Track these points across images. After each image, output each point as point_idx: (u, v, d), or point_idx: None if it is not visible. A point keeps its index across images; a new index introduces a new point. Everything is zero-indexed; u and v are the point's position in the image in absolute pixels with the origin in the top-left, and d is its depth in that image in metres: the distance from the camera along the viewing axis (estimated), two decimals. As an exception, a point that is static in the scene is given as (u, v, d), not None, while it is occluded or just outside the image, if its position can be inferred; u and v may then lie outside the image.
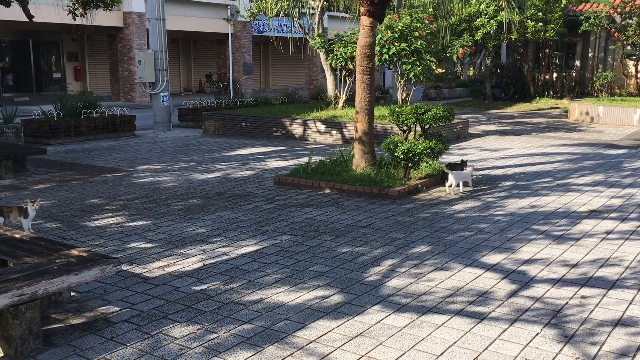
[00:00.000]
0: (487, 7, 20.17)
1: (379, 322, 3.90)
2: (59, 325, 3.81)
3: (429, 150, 7.86)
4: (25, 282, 3.39)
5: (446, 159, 10.00)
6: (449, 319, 3.94)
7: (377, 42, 11.77)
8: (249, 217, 6.55)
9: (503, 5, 20.21)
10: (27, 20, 9.25)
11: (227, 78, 26.38)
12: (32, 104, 19.22)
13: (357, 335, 3.70)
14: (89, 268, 3.68)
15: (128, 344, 3.57)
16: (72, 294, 4.28)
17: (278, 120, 13.53)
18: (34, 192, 7.84)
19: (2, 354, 3.40)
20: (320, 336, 3.69)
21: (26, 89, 24.30)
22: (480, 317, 3.97)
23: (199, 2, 25.14)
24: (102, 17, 17.86)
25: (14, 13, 12.26)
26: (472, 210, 6.81)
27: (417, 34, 12.12)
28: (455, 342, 3.61)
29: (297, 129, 13.27)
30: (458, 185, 7.71)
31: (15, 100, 20.78)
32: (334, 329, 3.80)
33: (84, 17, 9.46)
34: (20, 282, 3.39)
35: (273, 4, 15.75)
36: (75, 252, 3.94)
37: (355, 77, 8.99)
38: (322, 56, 15.40)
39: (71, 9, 9.58)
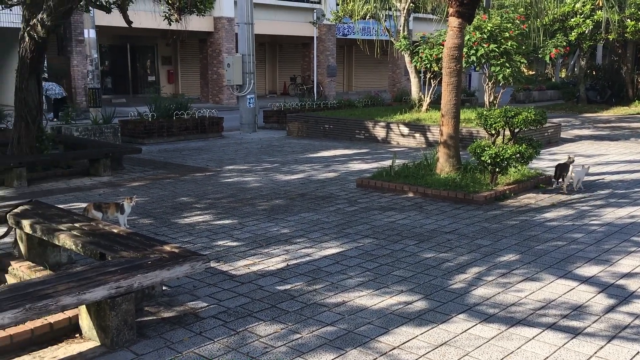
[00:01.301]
0: (583, 6, 19.18)
1: (465, 331, 3.78)
2: (151, 318, 3.97)
3: (518, 155, 7.56)
4: (122, 275, 3.56)
5: (536, 164, 9.59)
6: (541, 332, 3.76)
7: (464, 43, 11.48)
8: (331, 219, 6.57)
9: (600, 4, 19.14)
10: (127, 25, 9.76)
11: (311, 80, 26.70)
12: (128, 106, 20.32)
13: (442, 344, 3.61)
14: (180, 264, 3.80)
15: (215, 340, 3.67)
16: (164, 288, 4.45)
17: (361, 123, 13.52)
18: (129, 189, 8.25)
19: (99, 343, 3.58)
20: (404, 342, 3.62)
21: (123, 91, 25.70)
22: (575, 332, 3.75)
23: (286, 7, 25.62)
24: (194, 22, 18.58)
25: (115, 19, 12.99)
26: (565, 219, 6.48)
27: (507, 35, 11.71)
28: (547, 358, 3.44)
29: (379, 132, 13.19)
30: (568, 184, 7.75)
31: (113, 102, 22.02)
32: (417, 336, 3.72)
33: (178, 22, 9.87)
34: (117, 275, 3.56)
35: (360, 7, 15.75)
36: (167, 248, 4.09)
37: (440, 80, 8.81)
38: (407, 58, 15.23)
39: (167, 14, 10.01)
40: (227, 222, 6.47)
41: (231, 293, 4.42)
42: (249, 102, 15.32)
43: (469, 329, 3.81)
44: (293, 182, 8.71)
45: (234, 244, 5.67)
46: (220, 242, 5.71)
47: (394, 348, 3.55)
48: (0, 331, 3.39)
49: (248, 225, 6.32)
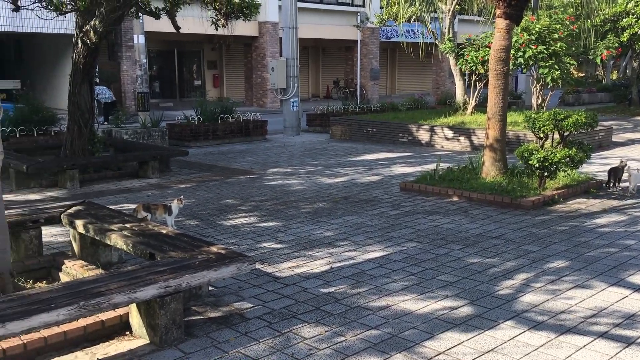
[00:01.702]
0: (636, 6, 18.54)
1: (512, 338, 3.70)
2: (198, 318, 4.05)
3: (568, 159, 7.36)
4: (171, 275, 3.64)
5: (586, 168, 9.32)
6: (592, 341, 3.65)
7: (512, 45, 11.28)
8: (375, 222, 6.56)
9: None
10: (175, 31, 9.98)
11: (354, 84, 26.70)
12: (175, 109, 20.76)
13: (489, 351, 3.54)
14: (227, 265, 3.86)
15: (261, 340, 3.71)
16: (210, 288, 4.53)
17: (404, 126, 13.45)
18: (176, 191, 8.43)
19: (148, 341, 3.67)
20: (450, 348, 3.58)
21: (170, 95, 26.31)
22: (628, 342, 3.63)
23: (329, 10, 25.70)
24: (240, 27, 18.89)
25: (163, 25, 13.33)
26: (617, 225, 6.28)
27: (557, 36, 11.43)
28: (598, 368, 3.33)
29: (423, 135, 13.08)
30: (623, 188, 7.66)
31: (161, 106, 22.55)
32: (463, 342, 3.66)
33: (225, 27, 10.03)
34: (166, 274, 3.64)
35: (404, 10, 15.67)
36: (214, 249, 4.16)
37: (486, 82, 8.67)
38: (452, 61, 15.06)
39: (214, 20, 10.19)
40: (271, 224, 6.53)
41: (276, 294, 4.46)
42: (293, 106, 15.43)
43: (517, 336, 3.73)
44: (336, 185, 8.73)
45: (279, 246, 5.72)
46: (264, 244, 5.78)
47: (440, 354, 3.51)
48: (54, 327, 3.51)
49: (292, 228, 6.36)
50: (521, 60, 11.60)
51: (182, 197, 6.36)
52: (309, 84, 30.82)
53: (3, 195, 4.42)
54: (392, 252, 5.46)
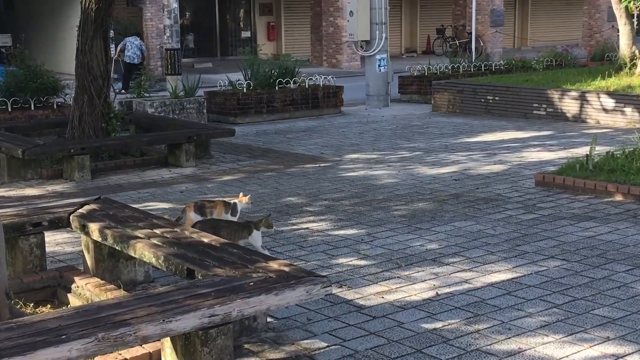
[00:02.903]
0: None
1: None
2: (253, 359, 4.15)
3: None
4: (217, 299, 3.74)
5: None
6: None
7: None
8: (499, 230, 6.50)
9: None
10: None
11: (467, 33, 26.30)
12: (216, 72, 21.18)
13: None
14: (292, 287, 3.93)
15: (339, 393, 3.76)
16: (269, 319, 4.63)
17: (541, 93, 13.22)
18: (219, 185, 8.65)
19: (187, 388, 3.79)
20: (612, 414, 3.50)
21: (209, 53, 26.72)
22: None
23: None
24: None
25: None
26: None
27: None
28: None
29: (569, 106, 12.80)
30: None
31: (197, 67, 23.04)
32: (633, 405, 3.57)
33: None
34: (211, 299, 3.74)
35: None
36: (274, 265, 4.24)
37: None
38: (613, -3, 14.59)
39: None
40: (350, 232, 6.58)
41: (359, 330, 4.50)
42: (379, 65, 15.42)
43: None
44: (442, 177, 8.69)
45: (362, 262, 5.77)
46: (342, 260, 5.83)
47: (597, 421, 3.44)
48: (64, 366, 3.69)
49: (380, 238, 6.39)
50: None
51: (249, 195, 6.46)
52: (402, 35, 30.66)
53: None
54: (524, 274, 5.40)
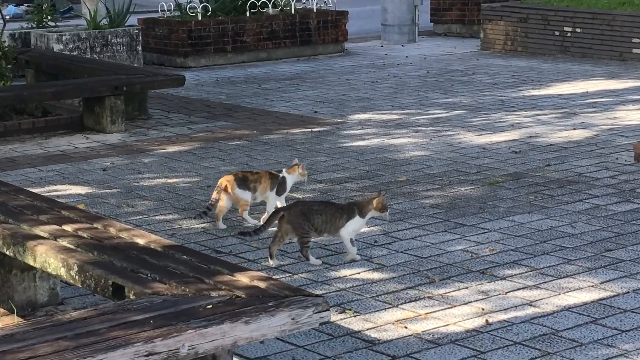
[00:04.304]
0: None
1: None
2: (211, 419, 4.14)
3: None
4: (158, 330, 3.71)
5: None
6: None
7: None
8: (580, 228, 6.51)
9: None
10: None
11: None
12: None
13: None
14: (271, 313, 3.90)
15: None
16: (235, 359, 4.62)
17: (644, 23, 13.24)
18: (161, 159, 8.62)
19: None
20: None
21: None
22: None
23: None
24: None
25: None
26: None
27: None
28: None
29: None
30: None
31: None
32: None
33: None
34: (148, 329, 3.72)
35: None
36: (244, 279, 4.21)
37: None
38: None
39: None
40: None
41: (371, 377, 4.52)
42: (402, -20, 15.37)
43: None
44: (496, 149, 8.71)
45: (376, 275, 5.76)
46: (346, 272, 5.81)
47: None
48: None
49: (403, 239, 6.39)
50: None
51: (302, 164, 6.61)
52: None
53: None
54: (618, 293, 5.40)
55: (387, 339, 4.91)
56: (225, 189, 6.33)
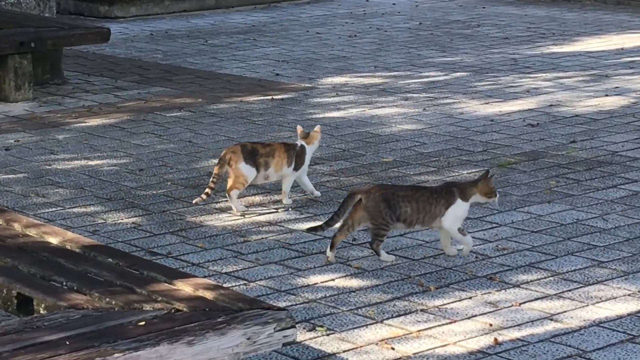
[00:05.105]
0: None
1: None
2: None
3: None
4: (75, 354, 3.68)
5: None
6: None
7: None
8: (613, 222, 6.55)
9: None
10: None
11: None
12: None
13: None
14: (220, 330, 3.88)
15: None
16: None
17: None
18: (78, 135, 8.61)
19: None
20: None
21: None
22: None
23: None
24: None
25: None
26: None
27: None
28: None
29: None
30: None
31: None
32: None
33: None
34: (63, 352, 3.70)
35: None
36: (186, 287, 4.21)
37: None
38: None
39: None
40: (328, 216, 6.54)
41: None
42: None
43: None
44: (507, 121, 8.80)
45: (354, 282, 5.77)
46: (316, 278, 5.83)
47: None
48: None
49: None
50: None
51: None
52: None
53: None
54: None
55: (370, 363, 4.90)
56: (230, 162, 6.39)
